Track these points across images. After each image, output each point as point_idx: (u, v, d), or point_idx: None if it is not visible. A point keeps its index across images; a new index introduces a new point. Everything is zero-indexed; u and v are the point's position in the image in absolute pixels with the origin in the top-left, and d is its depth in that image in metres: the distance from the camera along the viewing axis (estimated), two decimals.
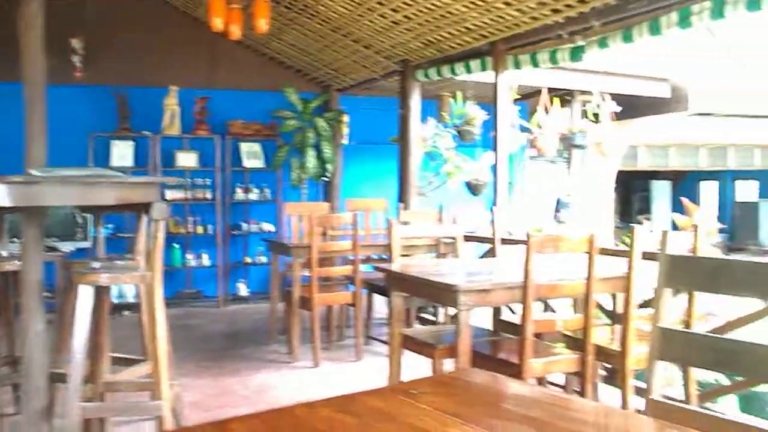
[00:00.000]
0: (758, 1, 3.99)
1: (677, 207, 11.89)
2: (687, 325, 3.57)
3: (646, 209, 16.02)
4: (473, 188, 6.58)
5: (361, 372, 5.31)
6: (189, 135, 8.13)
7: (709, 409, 3.73)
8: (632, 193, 16.55)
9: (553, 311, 4.79)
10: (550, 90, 7.64)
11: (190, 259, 8.23)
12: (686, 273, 1.85)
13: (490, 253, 5.25)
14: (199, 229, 8.24)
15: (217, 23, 5.68)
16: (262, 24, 5.82)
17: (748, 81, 9.46)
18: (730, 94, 9.30)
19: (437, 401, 1.48)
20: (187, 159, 8.09)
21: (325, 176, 8.43)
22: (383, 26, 6.44)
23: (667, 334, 1.84)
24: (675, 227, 4.98)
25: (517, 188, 8.83)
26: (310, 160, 8.15)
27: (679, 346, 1.83)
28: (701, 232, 3.69)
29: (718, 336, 1.81)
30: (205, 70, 8.28)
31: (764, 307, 3.63)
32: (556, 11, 5.11)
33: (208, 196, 8.22)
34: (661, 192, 16.26)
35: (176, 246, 8.15)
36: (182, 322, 7.25)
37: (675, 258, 1.84)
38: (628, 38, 4.89)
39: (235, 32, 5.91)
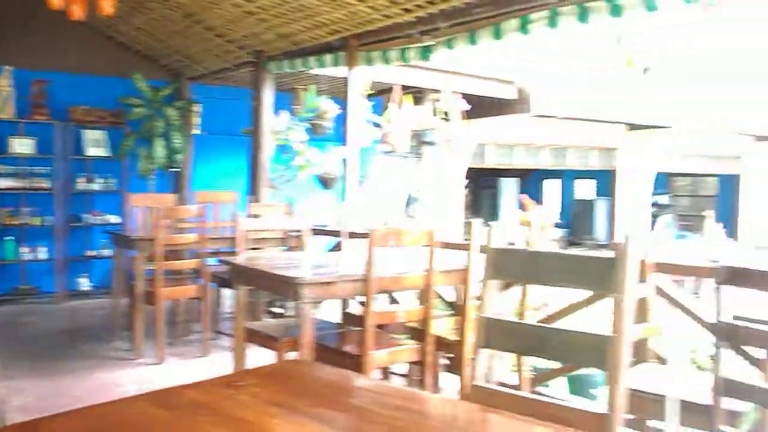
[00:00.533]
0: (587, 15, 4.29)
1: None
2: (520, 314, 3.79)
3: (494, 205, 16.76)
4: (324, 182, 6.61)
5: (207, 367, 5.20)
6: (25, 120, 7.59)
7: (538, 393, 3.97)
8: (482, 189, 17.27)
9: (398, 303, 4.91)
10: (404, 87, 7.82)
11: (25, 252, 7.71)
12: (509, 265, 1.96)
13: (339, 246, 5.31)
14: (36, 221, 7.73)
15: (56, 1, 5.33)
16: (107, 6, 5.53)
17: (582, 89, 10.11)
18: (568, 99, 9.91)
19: (262, 392, 1.48)
20: (22, 145, 7.56)
21: (175, 167, 8.17)
22: (236, 16, 6.32)
23: (490, 324, 1.94)
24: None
25: (369, 183, 8.96)
26: (159, 149, 7.86)
27: (501, 335, 1.94)
28: (535, 227, 3.92)
29: (533, 324, 1.94)
30: (44, 50, 7.75)
31: (589, 296, 3.90)
32: (407, 11, 5.23)
33: (47, 185, 7.73)
34: (508, 189, 17.07)
35: (9, 238, 7.61)
36: (16, 319, 6.79)
37: (498, 251, 1.95)
38: (473, 41, 5.08)
39: (77, 12, 5.56)
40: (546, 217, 4.45)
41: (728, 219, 15.78)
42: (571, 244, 15.48)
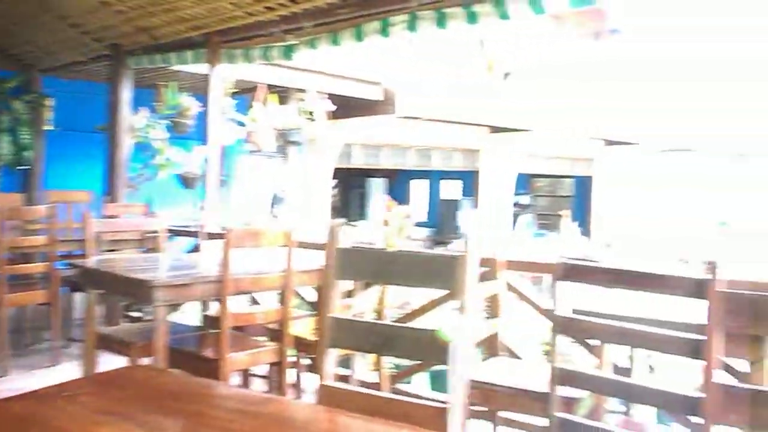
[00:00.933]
0: (445, 21, 4.41)
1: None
2: (379, 313, 3.84)
3: (363, 205, 16.92)
4: (186, 181, 6.43)
5: (56, 377, 4.90)
6: None
7: (396, 391, 4.05)
8: (351, 189, 17.40)
9: (260, 304, 4.85)
10: (269, 86, 7.74)
11: None
12: (355, 265, 1.99)
13: (198, 247, 5.18)
14: None
15: None
16: None
17: (446, 92, 10.42)
18: (432, 101, 10.17)
19: (95, 401, 1.42)
20: None
21: (24, 164, 7.67)
22: (92, 6, 6.00)
23: (337, 323, 1.96)
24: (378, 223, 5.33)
25: (233, 182, 8.81)
26: (4, 146, 7.36)
27: (348, 334, 1.96)
28: (393, 227, 3.99)
29: (378, 322, 1.97)
30: None
31: (443, 295, 4.02)
32: (270, 9, 5.17)
33: None
34: (377, 189, 17.30)
35: None
36: None
37: (344, 251, 1.96)
38: (335, 41, 5.10)
39: None
40: (405, 217, 4.54)
41: (582, 218, 16.76)
42: (438, 243, 15.90)
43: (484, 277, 3.45)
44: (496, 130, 12.77)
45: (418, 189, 18.46)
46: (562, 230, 16.24)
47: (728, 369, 3.07)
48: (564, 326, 2.16)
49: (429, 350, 1.83)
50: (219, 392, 1.55)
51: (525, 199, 18.62)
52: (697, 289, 1.78)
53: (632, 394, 2.09)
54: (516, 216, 17.23)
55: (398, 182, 17.47)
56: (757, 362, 2.53)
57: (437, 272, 1.86)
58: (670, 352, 1.87)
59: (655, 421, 3.42)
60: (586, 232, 16.33)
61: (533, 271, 3.81)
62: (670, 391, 1.85)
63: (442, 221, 17.03)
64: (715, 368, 1.67)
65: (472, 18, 4.37)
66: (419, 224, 17.44)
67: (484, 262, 3.37)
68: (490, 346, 3.73)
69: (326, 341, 1.99)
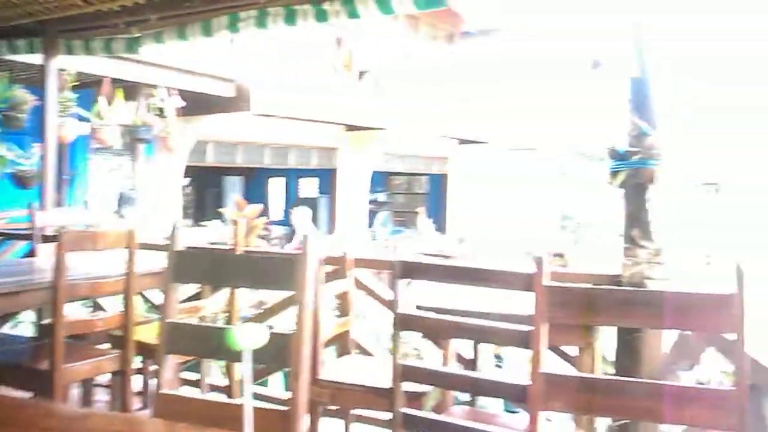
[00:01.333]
0: (294, 18, 4.38)
1: (249, 201, 12.52)
2: (230, 316, 3.75)
3: (220, 205, 16.53)
4: (20, 180, 6.00)
5: None
6: None
7: (261, 393, 3.97)
8: (206, 188, 16.94)
9: (105, 310, 4.62)
10: (118, 81, 7.37)
11: None
12: (191, 268, 1.92)
13: (33, 252, 4.84)
14: None
15: None
16: None
17: (302, 89, 10.38)
18: (288, 98, 10.09)
19: None
20: None
21: None
22: None
23: (172, 329, 1.88)
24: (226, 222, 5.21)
25: (79, 181, 8.33)
26: None
27: (184, 339, 1.89)
28: (242, 228, 3.91)
29: (212, 326, 1.92)
30: None
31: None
32: None
33: None
34: (233, 188, 16.94)
35: None
36: None
37: (179, 254, 1.89)
38: (182, 36, 4.93)
39: None
40: (257, 216, 4.48)
41: (438, 214, 17.26)
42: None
43: (333, 276, 3.45)
44: (352, 128, 12.86)
45: (276, 187, 18.28)
46: (418, 227, 16.66)
47: (565, 356, 3.25)
48: (404, 323, 2.20)
49: (267, 353, 1.80)
50: (36, 411, 1.44)
51: (382, 197, 18.92)
52: (526, 283, 1.87)
53: (470, 386, 2.16)
54: (373, 213, 17.47)
55: (256, 181, 17.21)
56: (586, 349, 2.70)
57: (274, 273, 1.83)
58: (504, 344, 1.94)
59: (502, 409, 3.56)
60: (441, 228, 16.83)
61: (382, 268, 3.86)
62: (501, 381, 1.93)
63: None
64: (542, 358, 1.76)
65: (321, 16, 4.36)
66: (276, 223, 17.27)
67: (334, 260, 3.37)
68: (342, 345, 3.74)
69: (162, 347, 1.92)
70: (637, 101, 3.19)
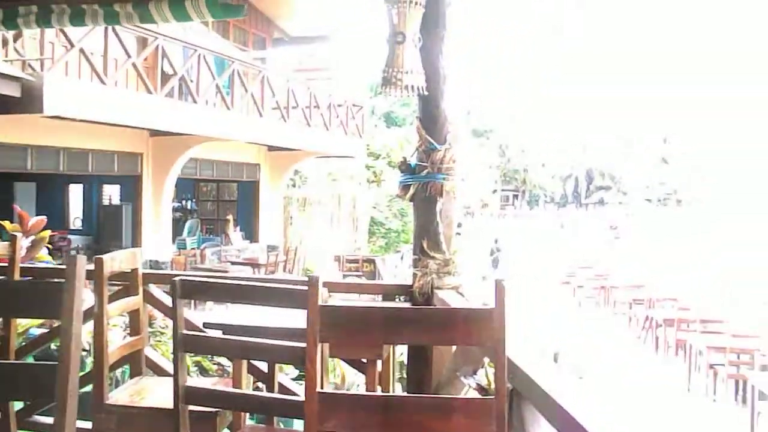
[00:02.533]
0: (82, 18, 4.13)
1: (42, 210, 11.56)
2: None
3: (9, 214, 15.19)
4: None
5: None
6: None
7: (29, 425, 3.68)
8: None
9: None
10: None
11: None
12: None
13: None
14: None
15: None
16: None
17: (105, 92, 9.80)
18: (89, 100, 9.47)
19: None
20: None
21: None
22: None
23: None
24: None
25: None
26: None
27: None
28: (23, 242, 3.62)
29: None
30: None
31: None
32: None
33: None
34: (26, 194, 15.63)
35: None
36: None
37: None
38: None
39: None
40: (40, 230, 4.16)
41: (248, 222, 17.04)
42: (97, 252, 14.89)
43: (123, 293, 3.27)
44: (157, 133, 12.35)
45: (75, 194, 17.15)
46: (227, 234, 16.34)
47: (361, 368, 3.30)
48: (187, 344, 2.13)
49: (27, 387, 1.67)
50: None
51: (189, 204, 18.40)
52: (301, 302, 1.88)
53: (248, 405, 2.14)
54: (180, 221, 16.92)
55: (53, 187, 15.97)
56: (376, 361, 2.78)
57: (43, 300, 1.70)
58: (285, 363, 1.94)
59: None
60: (250, 235, 16.63)
61: (165, 283, 3.72)
62: (281, 398, 1.92)
63: (102, 228, 16.00)
64: (316, 376, 1.77)
65: (111, 18, 4.15)
66: (74, 231, 16.20)
67: (122, 276, 3.20)
68: (135, 365, 3.57)
69: None
70: (426, 117, 3.31)
